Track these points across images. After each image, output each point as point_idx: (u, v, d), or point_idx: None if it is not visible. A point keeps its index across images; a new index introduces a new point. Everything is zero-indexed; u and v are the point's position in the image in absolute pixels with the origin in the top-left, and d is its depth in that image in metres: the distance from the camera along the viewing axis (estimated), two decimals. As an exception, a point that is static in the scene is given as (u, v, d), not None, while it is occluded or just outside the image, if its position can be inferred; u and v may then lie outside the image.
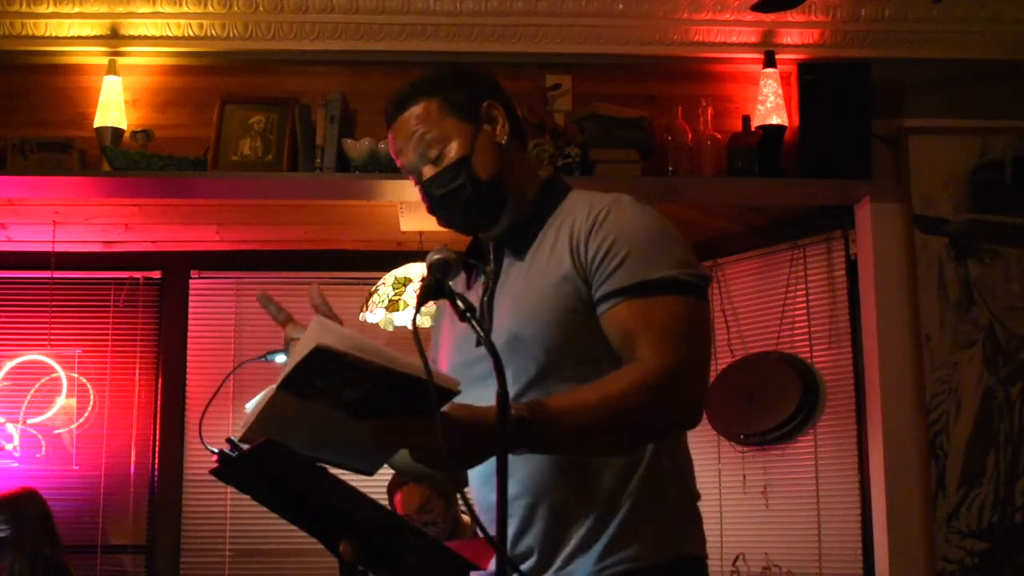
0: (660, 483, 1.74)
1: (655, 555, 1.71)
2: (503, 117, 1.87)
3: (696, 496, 1.82)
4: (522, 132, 1.93)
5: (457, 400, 1.56)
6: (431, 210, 1.89)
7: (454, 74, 1.89)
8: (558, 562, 1.73)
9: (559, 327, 1.73)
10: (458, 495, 3.61)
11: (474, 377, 1.79)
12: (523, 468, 1.74)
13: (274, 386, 1.54)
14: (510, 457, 1.69)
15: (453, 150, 1.83)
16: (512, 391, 1.72)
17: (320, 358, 1.47)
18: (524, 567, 1.76)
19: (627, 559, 1.70)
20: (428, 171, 1.85)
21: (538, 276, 1.78)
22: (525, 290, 1.79)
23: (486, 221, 1.87)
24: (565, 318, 1.73)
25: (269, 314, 1.83)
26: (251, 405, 1.60)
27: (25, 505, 4.21)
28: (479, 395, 1.70)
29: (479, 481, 1.84)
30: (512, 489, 1.75)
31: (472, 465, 1.64)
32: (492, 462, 1.71)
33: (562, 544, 1.73)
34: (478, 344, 1.80)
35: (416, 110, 1.86)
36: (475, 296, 1.89)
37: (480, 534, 1.57)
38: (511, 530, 1.78)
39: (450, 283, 1.70)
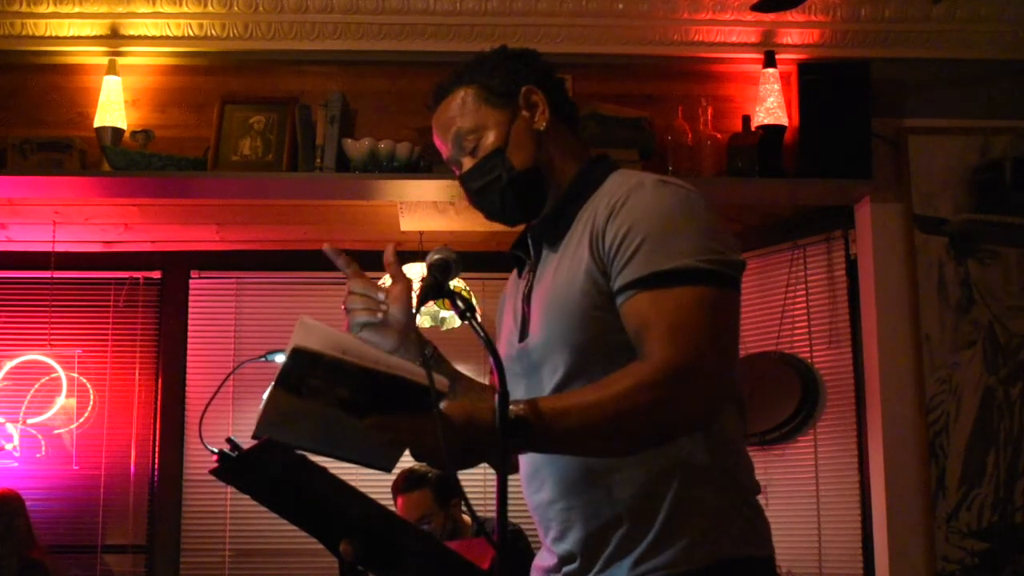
0: (700, 483, 1.66)
1: (692, 560, 1.63)
2: (543, 102, 1.80)
3: (749, 492, 1.72)
4: (570, 114, 1.86)
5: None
6: (472, 204, 1.84)
7: (492, 59, 1.83)
8: (598, 566, 1.69)
9: (584, 325, 1.67)
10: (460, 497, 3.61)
11: (515, 372, 1.76)
12: (556, 472, 1.71)
13: (272, 384, 1.54)
14: (544, 462, 1.68)
15: (489, 141, 1.78)
16: (546, 389, 1.70)
17: (302, 359, 1.47)
18: (566, 570, 1.73)
19: (662, 565, 1.63)
20: (467, 163, 1.81)
21: (564, 271, 1.72)
22: (553, 286, 1.73)
23: (527, 212, 1.82)
24: (589, 315, 1.66)
25: (338, 265, 1.82)
26: (267, 395, 1.60)
27: (12, 503, 4.23)
28: (521, 391, 1.70)
29: (524, 481, 1.81)
30: (549, 494, 1.73)
31: (470, 464, 1.63)
32: (535, 463, 1.70)
33: (602, 548, 1.68)
34: (520, 340, 1.78)
35: (454, 99, 1.81)
36: (521, 289, 1.85)
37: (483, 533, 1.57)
38: (552, 533, 1.75)
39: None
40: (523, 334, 1.79)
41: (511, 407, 1.51)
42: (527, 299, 1.81)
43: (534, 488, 1.77)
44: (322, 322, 1.52)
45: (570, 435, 1.56)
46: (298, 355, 1.46)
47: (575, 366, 1.68)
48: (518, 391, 1.74)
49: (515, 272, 1.93)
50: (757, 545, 1.70)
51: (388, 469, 1.62)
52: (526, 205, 1.80)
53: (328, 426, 1.56)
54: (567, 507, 1.71)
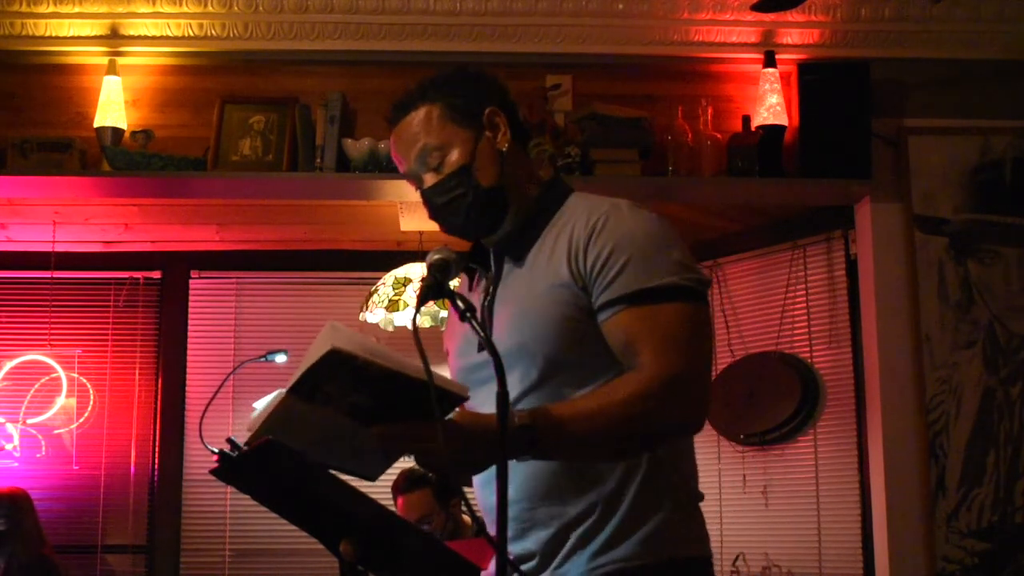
0: (658, 486, 1.74)
1: (646, 556, 1.71)
2: (504, 124, 1.86)
3: (697, 497, 1.82)
4: (525, 135, 1.93)
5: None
6: (432, 217, 1.89)
7: (456, 79, 1.88)
8: (555, 562, 1.75)
9: (557, 335, 1.73)
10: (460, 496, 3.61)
11: (477, 381, 1.80)
12: (520, 473, 1.74)
13: (283, 390, 1.54)
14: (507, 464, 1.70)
15: (454, 158, 1.83)
16: (511, 397, 1.73)
17: (333, 361, 1.47)
18: (524, 568, 1.77)
19: (618, 559, 1.71)
20: (429, 179, 1.85)
21: (536, 284, 1.78)
22: (523, 298, 1.79)
23: (488, 227, 1.87)
24: (563, 326, 1.73)
25: None
26: (259, 405, 1.60)
27: (21, 501, 4.24)
28: (482, 399, 1.71)
29: (481, 484, 1.85)
30: (510, 494, 1.76)
31: (476, 471, 1.65)
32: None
33: (562, 544, 1.74)
34: (480, 349, 1.81)
35: (417, 116, 1.84)
36: (476, 301, 1.89)
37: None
38: (511, 533, 1.78)
39: (452, 287, 1.69)
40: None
41: (517, 416, 1.58)
42: (488, 310, 1.85)
43: (492, 489, 1.79)
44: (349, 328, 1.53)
45: (573, 442, 1.64)
46: (332, 356, 1.46)
47: (546, 374, 1.74)
48: (478, 398, 1.77)
49: (463, 283, 2.00)
50: (706, 546, 1.81)
51: (373, 479, 1.65)
52: (489, 221, 1.86)
53: (326, 435, 1.56)
54: (530, 507, 1.76)
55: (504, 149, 1.85)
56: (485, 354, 1.76)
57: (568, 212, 1.83)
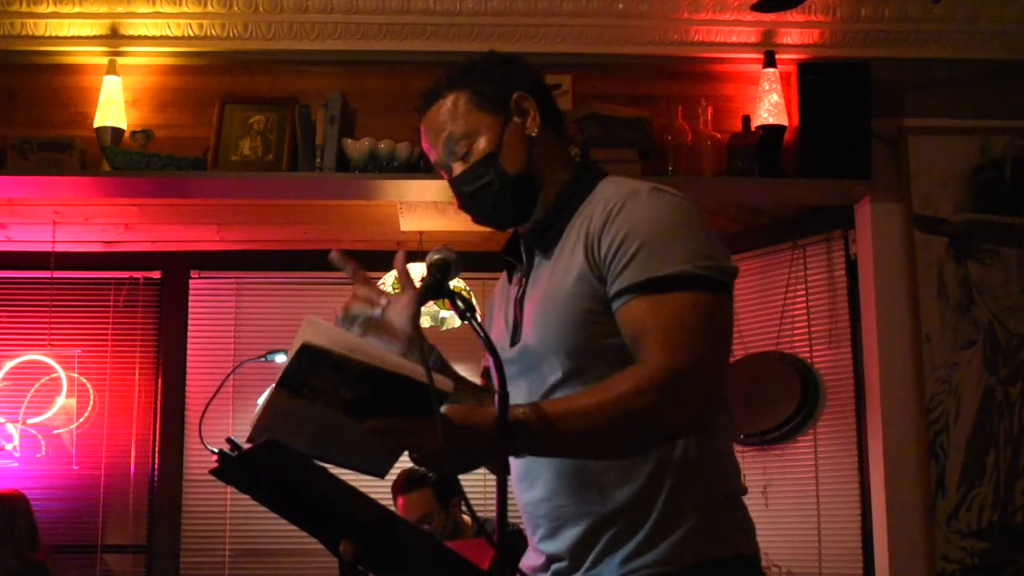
0: (692, 483, 1.68)
1: (682, 558, 1.66)
2: (534, 108, 1.82)
3: (737, 493, 1.76)
4: (558, 121, 1.88)
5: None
6: (462, 207, 1.85)
7: (484, 65, 1.84)
8: (587, 563, 1.71)
9: (579, 330, 1.69)
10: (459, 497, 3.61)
11: (507, 377, 1.77)
12: (549, 471, 1.72)
13: (273, 385, 1.54)
14: (537, 460, 1.69)
15: (481, 146, 1.79)
16: (540, 393, 1.72)
17: (308, 357, 1.47)
18: (555, 568, 1.75)
19: (653, 563, 1.66)
20: (457, 168, 1.82)
21: (559, 277, 1.74)
22: (547, 292, 1.75)
23: (518, 216, 1.83)
24: (585, 319, 1.69)
25: (346, 272, 1.83)
26: (261, 400, 1.60)
27: (15, 504, 4.21)
28: (513, 394, 1.70)
29: (515, 480, 1.82)
30: (541, 492, 1.75)
31: (470, 468, 1.63)
32: (528, 461, 1.71)
33: (592, 546, 1.70)
34: (512, 344, 1.79)
35: (445, 103, 1.81)
36: (513, 295, 1.87)
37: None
38: (541, 532, 1.77)
39: (452, 287, 1.68)
40: (514, 339, 1.81)
41: (512, 411, 1.54)
42: (519, 304, 1.82)
43: (525, 486, 1.78)
44: (328, 323, 1.52)
45: (571, 438, 1.60)
46: (306, 352, 1.46)
47: (571, 369, 1.70)
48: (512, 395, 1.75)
49: (504, 277, 1.96)
50: (744, 544, 1.73)
51: (382, 475, 1.63)
52: (518, 210, 1.82)
53: (325, 430, 1.56)
54: (559, 505, 1.73)
55: (533, 134, 1.81)
56: (516, 349, 1.76)
57: (595, 200, 1.77)
